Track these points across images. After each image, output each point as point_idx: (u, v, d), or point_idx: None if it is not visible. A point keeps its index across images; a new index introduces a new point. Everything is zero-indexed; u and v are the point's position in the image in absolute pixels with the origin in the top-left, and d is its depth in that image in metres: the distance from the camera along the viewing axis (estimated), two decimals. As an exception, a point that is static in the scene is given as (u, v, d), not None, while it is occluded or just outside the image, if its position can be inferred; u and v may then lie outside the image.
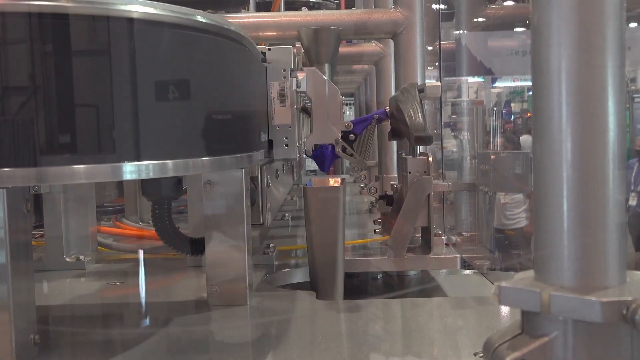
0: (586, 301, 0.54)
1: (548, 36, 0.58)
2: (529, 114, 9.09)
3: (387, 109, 1.50)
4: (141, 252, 1.76)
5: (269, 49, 1.28)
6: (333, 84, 1.44)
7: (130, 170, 0.86)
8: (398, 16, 1.72)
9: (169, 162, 0.90)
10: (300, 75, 1.35)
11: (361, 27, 1.73)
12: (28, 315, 0.89)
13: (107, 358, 0.96)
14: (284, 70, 1.29)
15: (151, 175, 0.88)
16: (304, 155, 1.55)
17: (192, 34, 0.95)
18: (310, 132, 1.44)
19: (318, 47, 1.54)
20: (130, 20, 0.85)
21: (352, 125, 1.47)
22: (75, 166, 0.81)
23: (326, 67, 1.54)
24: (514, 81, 9.14)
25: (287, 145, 1.32)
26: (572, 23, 0.57)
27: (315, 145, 1.45)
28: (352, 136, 1.46)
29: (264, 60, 1.28)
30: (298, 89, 1.34)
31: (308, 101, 1.44)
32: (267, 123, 1.29)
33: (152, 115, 0.88)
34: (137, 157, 0.86)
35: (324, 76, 1.44)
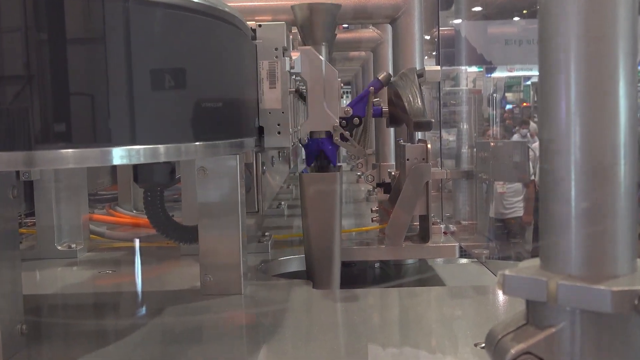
0: (595, 291, 0.52)
1: (556, 16, 0.56)
2: (525, 104, 9.09)
3: (380, 76, 1.38)
4: (135, 241, 1.74)
5: (260, 26, 1.17)
6: (331, 65, 1.31)
7: (120, 155, 0.83)
8: (397, 0, 1.69)
9: (161, 147, 0.87)
10: (295, 55, 1.23)
11: (360, 11, 1.70)
12: (14, 305, 0.87)
13: (98, 348, 0.93)
14: (276, 49, 1.17)
15: (142, 160, 0.85)
16: (300, 143, 1.42)
17: (185, 14, 0.91)
18: (306, 118, 1.33)
19: (313, 25, 1.41)
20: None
21: (351, 110, 1.34)
22: (64, 150, 0.79)
23: (323, 47, 1.41)
24: (509, 71, 9.14)
25: (279, 133, 1.19)
26: (582, 2, 0.54)
27: (310, 133, 1.33)
28: (356, 120, 1.34)
29: (254, 38, 1.17)
30: (292, 70, 1.21)
31: (303, 85, 1.32)
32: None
33: (144, 99, 0.85)
34: (128, 141, 0.83)
35: (320, 56, 1.30)
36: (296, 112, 1.38)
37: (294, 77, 1.26)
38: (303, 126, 1.32)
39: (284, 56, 1.18)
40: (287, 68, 1.18)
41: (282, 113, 1.19)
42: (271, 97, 1.18)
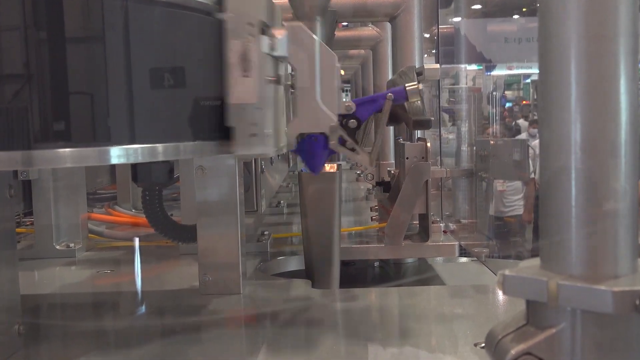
0: (596, 291, 0.51)
1: (557, 14, 0.55)
2: (524, 102, 9.10)
3: (408, 87, 1.12)
4: (134, 240, 1.73)
5: None
6: (327, 47, 1.00)
7: (118, 154, 0.82)
8: (396, -2, 1.69)
9: (159, 146, 0.86)
10: (279, 34, 0.92)
11: (359, 9, 1.70)
12: (12, 305, 0.86)
13: (96, 348, 0.93)
14: (250, 25, 0.87)
15: (140, 159, 0.85)
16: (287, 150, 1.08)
17: (184, 13, 0.91)
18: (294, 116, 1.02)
19: None
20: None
21: (354, 106, 1.07)
22: (61, 150, 0.78)
23: (317, 23, 1.11)
24: (509, 69, 9.14)
25: (254, 135, 0.89)
26: (582, 0, 0.54)
27: (301, 135, 1.02)
28: (353, 122, 1.07)
29: (218, 10, 0.89)
30: (275, 53, 0.92)
31: (292, 72, 1.02)
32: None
33: (143, 97, 0.84)
34: (126, 140, 0.83)
35: (313, 35, 0.98)
36: (280, 108, 1.03)
37: (279, 61, 0.98)
38: (290, 126, 1.01)
39: (264, 34, 0.90)
40: (266, 50, 0.89)
41: (259, 109, 0.90)
42: (243, 88, 0.89)
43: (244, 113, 0.89)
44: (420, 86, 1.14)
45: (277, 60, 0.96)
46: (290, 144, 1.02)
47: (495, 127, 6.29)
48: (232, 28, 0.88)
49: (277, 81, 0.97)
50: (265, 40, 0.89)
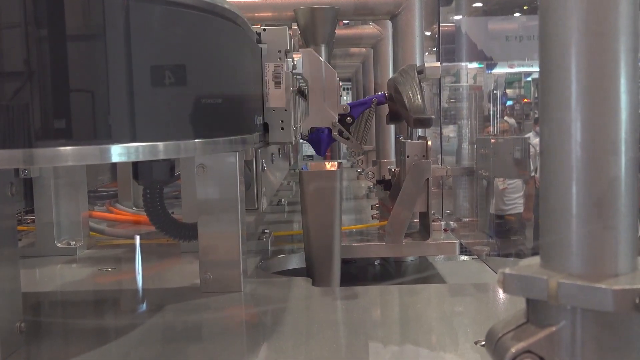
0: (597, 289, 0.51)
1: (557, 12, 0.55)
2: (525, 100, 9.08)
3: (386, 92, 1.48)
4: (135, 238, 1.73)
5: (264, 30, 1.27)
6: (330, 66, 1.43)
7: (119, 153, 0.82)
8: (397, -4, 1.69)
9: (160, 144, 0.87)
10: (296, 57, 1.34)
11: (360, 7, 1.70)
12: (13, 302, 0.87)
13: (97, 346, 0.93)
14: (280, 52, 1.27)
15: (141, 157, 0.85)
16: (300, 140, 1.54)
17: (185, 11, 0.91)
18: (307, 115, 1.45)
19: (315, 28, 1.57)
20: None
21: (349, 108, 1.46)
22: (62, 148, 0.78)
23: (323, 48, 1.58)
24: (510, 67, 9.11)
25: (282, 129, 1.30)
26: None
27: (311, 128, 1.45)
28: (349, 119, 1.46)
29: (259, 41, 1.26)
30: (294, 71, 1.32)
31: (304, 83, 1.44)
32: (262, 106, 1.27)
33: (144, 96, 0.84)
34: (128, 139, 0.83)
35: (320, 57, 1.42)
36: (297, 109, 1.50)
37: (296, 76, 1.38)
38: (304, 122, 1.44)
39: (286, 58, 1.28)
40: (290, 69, 1.28)
41: (285, 110, 1.28)
42: (276, 96, 1.27)
43: (276, 113, 1.28)
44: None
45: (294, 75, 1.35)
46: (304, 135, 1.46)
47: (504, 125, 6.27)
48: (266, 54, 1.26)
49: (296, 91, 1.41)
50: (289, 62, 1.28)
